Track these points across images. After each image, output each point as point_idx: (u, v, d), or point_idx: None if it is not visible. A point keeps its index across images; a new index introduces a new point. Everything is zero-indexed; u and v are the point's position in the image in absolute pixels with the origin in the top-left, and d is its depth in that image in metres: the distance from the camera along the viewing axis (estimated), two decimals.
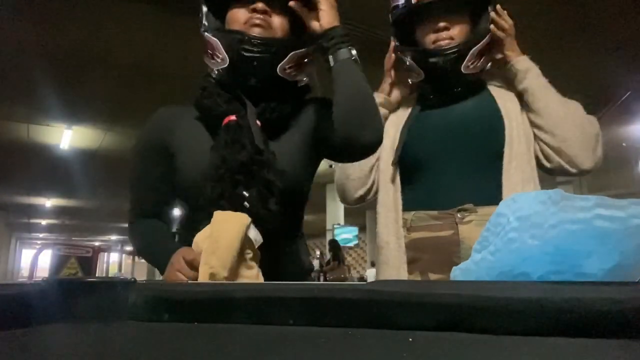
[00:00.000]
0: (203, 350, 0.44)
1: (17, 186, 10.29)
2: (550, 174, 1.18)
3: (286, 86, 0.99)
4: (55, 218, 14.73)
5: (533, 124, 1.16)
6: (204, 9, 0.99)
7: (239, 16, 0.96)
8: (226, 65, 0.95)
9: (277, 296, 0.52)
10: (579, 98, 1.15)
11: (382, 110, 1.26)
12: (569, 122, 1.12)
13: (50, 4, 3.73)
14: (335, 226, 10.28)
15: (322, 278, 8.23)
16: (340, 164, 1.33)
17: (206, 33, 0.97)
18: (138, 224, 1.03)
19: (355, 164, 1.26)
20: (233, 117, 0.93)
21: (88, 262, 5.81)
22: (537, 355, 0.37)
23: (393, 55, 1.27)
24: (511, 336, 0.40)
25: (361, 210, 11.16)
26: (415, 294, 0.45)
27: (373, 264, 9.14)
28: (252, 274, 0.82)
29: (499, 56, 1.21)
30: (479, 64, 1.17)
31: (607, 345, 0.37)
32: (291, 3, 0.95)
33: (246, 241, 0.82)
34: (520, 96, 1.18)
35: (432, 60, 1.16)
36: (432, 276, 1.13)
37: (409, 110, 1.27)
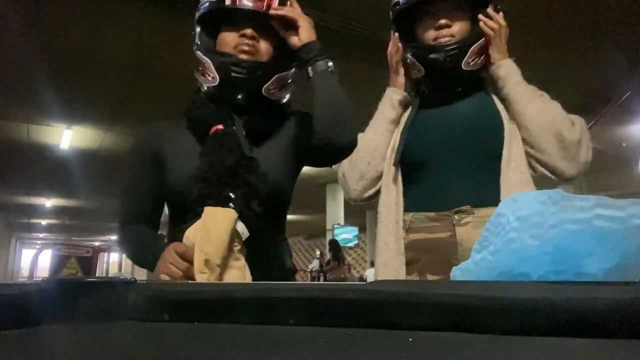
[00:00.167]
0: (203, 350, 0.44)
1: (17, 186, 10.29)
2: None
3: (270, 102, 1.08)
4: (55, 218, 14.73)
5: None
6: (198, 29, 1.08)
7: (229, 40, 1.05)
8: (216, 83, 1.03)
9: (277, 296, 0.52)
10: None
11: (399, 109, 1.25)
12: (545, 133, 1.10)
13: (51, 4, 3.73)
14: (335, 226, 10.28)
15: (322, 278, 8.23)
16: (345, 165, 1.31)
17: (198, 52, 1.06)
18: (127, 229, 1.09)
19: (370, 164, 1.24)
20: (220, 126, 1.02)
21: (88, 262, 5.81)
22: (537, 355, 0.37)
23: (399, 45, 1.23)
24: (511, 336, 0.40)
25: (361, 210, 11.15)
26: (415, 294, 0.45)
27: (373, 264, 9.12)
28: (240, 265, 0.89)
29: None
30: (479, 62, 1.17)
31: (607, 345, 0.37)
32: (273, 22, 1.04)
33: (234, 234, 0.89)
34: None
35: (433, 56, 1.16)
36: (430, 277, 1.13)
37: (410, 110, 1.27)
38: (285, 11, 1.02)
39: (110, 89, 5.35)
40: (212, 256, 0.85)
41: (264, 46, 1.05)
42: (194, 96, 1.10)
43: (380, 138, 1.25)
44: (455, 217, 1.12)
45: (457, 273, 0.57)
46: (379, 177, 1.25)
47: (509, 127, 1.14)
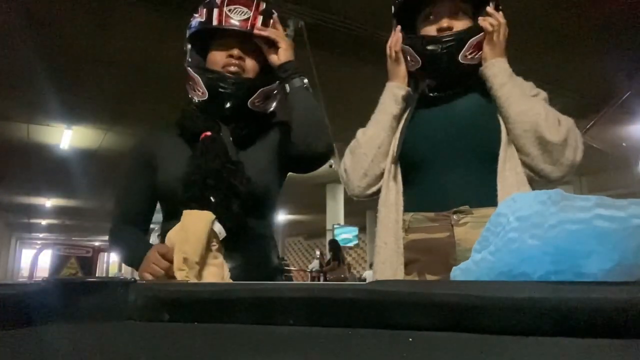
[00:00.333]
0: (203, 350, 0.44)
1: (17, 186, 10.29)
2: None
3: (255, 113, 1.18)
4: (55, 218, 14.73)
5: None
6: (188, 46, 1.19)
7: (217, 59, 1.16)
8: (205, 98, 1.14)
9: (277, 296, 0.53)
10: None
11: (402, 104, 1.24)
12: (527, 136, 1.09)
13: (51, 4, 3.73)
14: (335, 226, 10.28)
15: (322, 278, 8.24)
16: (348, 162, 1.30)
17: (189, 68, 1.16)
18: (118, 231, 1.20)
19: (374, 162, 1.24)
20: (209, 133, 1.12)
21: (88, 262, 5.81)
22: (537, 355, 0.37)
23: (400, 34, 1.22)
24: (511, 336, 0.40)
25: (361, 210, 11.15)
26: (415, 294, 0.45)
27: (372, 267, 9.12)
28: (218, 262, 0.97)
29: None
30: (476, 56, 1.17)
31: (607, 345, 0.37)
32: (256, 40, 1.15)
33: (212, 234, 0.97)
34: None
35: (430, 47, 1.16)
36: (429, 277, 1.13)
37: (408, 108, 1.26)
38: (268, 32, 1.14)
39: (110, 89, 5.35)
40: (191, 255, 0.92)
41: (249, 64, 1.16)
42: (185, 107, 1.20)
43: (383, 134, 1.23)
44: (454, 217, 1.12)
45: (457, 273, 0.57)
46: (382, 174, 1.24)
47: (505, 128, 1.14)
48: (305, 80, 1.16)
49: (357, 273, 11.60)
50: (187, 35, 1.18)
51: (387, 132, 1.23)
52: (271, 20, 1.17)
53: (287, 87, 1.15)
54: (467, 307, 0.42)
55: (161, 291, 0.59)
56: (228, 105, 1.14)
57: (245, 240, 1.11)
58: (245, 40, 1.15)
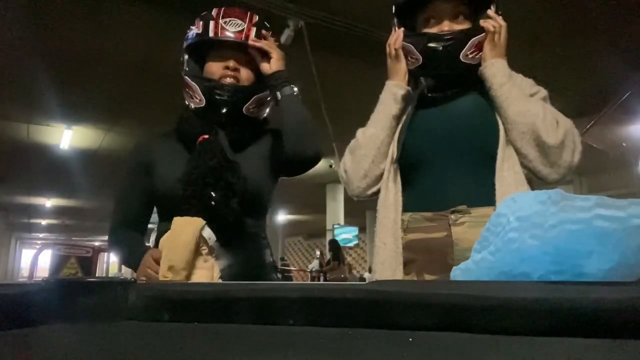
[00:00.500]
0: (203, 350, 0.44)
1: (17, 186, 10.29)
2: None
3: (250, 118, 1.25)
4: (55, 218, 14.73)
5: None
6: (186, 56, 1.25)
7: (214, 70, 1.22)
8: (202, 105, 1.20)
9: (277, 296, 0.53)
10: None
11: (402, 104, 1.23)
12: (525, 138, 1.09)
13: (51, 4, 3.73)
14: (335, 226, 10.28)
15: (322, 278, 8.24)
16: (348, 162, 1.29)
17: (186, 77, 1.22)
18: (117, 234, 1.25)
19: (374, 162, 1.24)
20: (206, 136, 1.18)
21: (88, 262, 5.81)
22: (537, 355, 0.37)
23: (400, 33, 1.22)
24: (511, 336, 0.40)
25: (361, 210, 11.15)
26: (415, 294, 0.45)
27: (371, 270, 9.09)
28: (207, 266, 1.01)
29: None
30: (477, 56, 1.17)
31: (607, 345, 0.37)
32: (250, 50, 1.21)
33: (202, 240, 1.00)
34: None
35: (432, 45, 1.16)
36: (428, 277, 1.13)
37: (408, 108, 1.26)
38: (261, 43, 1.21)
39: (110, 89, 5.35)
40: (176, 262, 0.97)
41: (244, 74, 1.23)
42: (183, 113, 1.26)
43: (383, 135, 1.23)
44: (452, 217, 1.12)
45: (457, 273, 0.57)
46: (383, 175, 1.24)
47: (504, 128, 1.14)
48: (295, 89, 1.22)
49: (357, 273, 11.61)
50: (185, 45, 1.24)
51: (387, 132, 1.23)
52: (264, 32, 1.24)
53: (278, 94, 1.21)
54: (467, 307, 0.42)
55: (161, 291, 0.59)
56: (224, 111, 1.20)
57: (240, 238, 1.18)
58: (240, 51, 1.22)
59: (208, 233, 1.01)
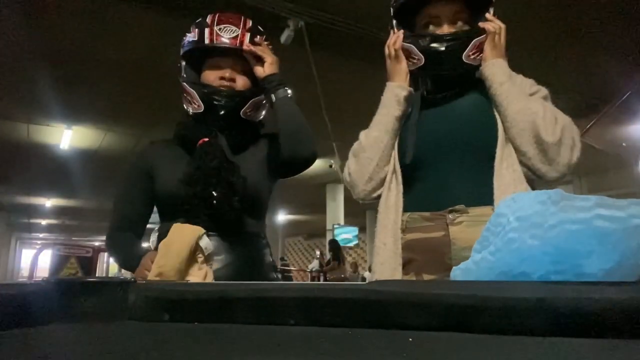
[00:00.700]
0: (203, 350, 0.44)
1: (17, 186, 10.29)
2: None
3: (247, 121, 1.29)
4: (55, 218, 14.73)
5: None
6: (183, 62, 1.28)
7: (210, 79, 1.25)
8: (201, 110, 1.23)
9: (277, 296, 0.53)
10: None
11: (405, 105, 1.24)
12: (524, 135, 1.10)
13: (51, 4, 3.73)
14: (335, 226, 10.27)
15: (322, 278, 8.24)
16: (352, 166, 1.30)
17: (184, 83, 1.25)
18: (115, 236, 1.27)
19: (379, 165, 1.24)
20: (206, 139, 1.21)
21: (88, 262, 5.81)
22: (537, 355, 0.37)
23: (400, 34, 1.22)
24: (511, 336, 0.40)
25: (361, 210, 11.15)
26: (415, 294, 0.46)
27: (371, 270, 9.11)
28: (200, 274, 1.01)
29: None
30: (478, 57, 1.18)
31: (607, 345, 0.37)
32: (245, 54, 1.25)
33: (199, 248, 1.01)
34: None
35: (434, 45, 1.17)
36: (426, 277, 1.13)
37: (412, 109, 1.26)
38: (255, 49, 1.25)
39: (110, 89, 5.35)
40: (166, 269, 0.98)
41: (240, 81, 1.26)
42: (183, 119, 1.31)
43: (387, 137, 1.23)
44: (449, 216, 1.12)
45: (457, 273, 0.57)
46: (386, 177, 1.24)
47: (502, 127, 1.15)
48: (289, 91, 1.26)
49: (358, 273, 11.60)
50: (181, 53, 1.28)
51: (390, 134, 1.23)
52: (257, 36, 1.27)
53: (273, 97, 1.24)
54: (467, 307, 0.42)
55: (161, 291, 0.59)
56: (223, 115, 1.23)
57: (240, 238, 1.21)
58: (235, 56, 1.26)
59: (205, 242, 1.02)
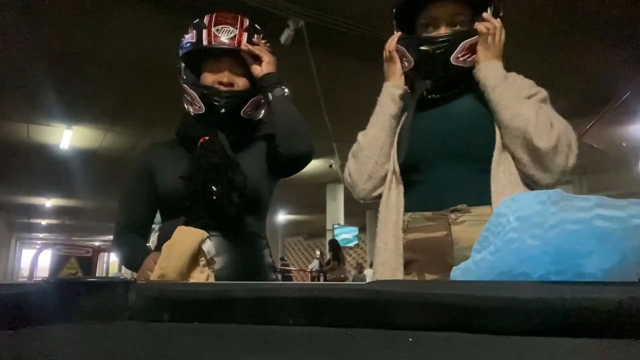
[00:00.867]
0: (203, 350, 0.44)
1: (17, 186, 10.29)
2: None
3: (247, 121, 1.31)
4: (55, 218, 14.73)
5: None
6: (182, 64, 1.30)
7: (209, 82, 1.26)
8: (202, 112, 1.25)
9: (277, 296, 0.53)
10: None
11: (400, 103, 1.24)
12: (518, 143, 1.09)
13: (51, 4, 3.73)
14: (335, 226, 10.28)
15: (322, 278, 8.24)
16: (352, 166, 1.30)
17: (185, 85, 1.27)
18: (121, 237, 1.29)
19: (378, 163, 1.24)
20: (207, 137, 1.23)
21: (88, 262, 5.81)
22: (537, 355, 0.37)
23: (395, 36, 1.24)
24: (511, 336, 0.40)
25: (361, 210, 11.15)
26: (415, 294, 0.45)
27: (372, 266, 9.12)
28: (202, 277, 1.02)
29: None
30: (469, 59, 1.17)
31: (607, 345, 0.37)
32: (243, 54, 1.26)
33: (201, 252, 1.02)
34: None
35: (423, 47, 1.17)
36: (428, 277, 1.13)
37: (406, 111, 1.26)
38: (253, 48, 1.26)
39: (110, 89, 5.35)
40: (168, 272, 0.98)
41: (239, 82, 1.28)
42: (183, 119, 1.32)
43: (384, 135, 1.24)
44: (451, 215, 1.12)
45: (457, 273, 0.57)
46: (386, 176, 1.24)
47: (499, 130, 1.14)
48: (286, 90, 1.27)
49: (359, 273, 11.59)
50: (180, 54, 1.29)
51: (388, 132, 1.24)
52: (255, 35, 1.28)
53: (270, 95, 1.26)
54: (467, 307, 0.42)
55: (161, 291, 0.59)
56: (223, 115, 1.25)
57: (240, 237, 1.22)
58: (233, 55, 1.27)
59: (208, 246, 1.03)
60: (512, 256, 0.50)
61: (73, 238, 18.64)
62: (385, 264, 1.18)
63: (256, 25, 1.31)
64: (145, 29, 4.12)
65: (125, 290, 0.59)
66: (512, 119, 1.10)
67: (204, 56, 1.28)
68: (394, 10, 1.26)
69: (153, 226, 1.32)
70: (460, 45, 1.14)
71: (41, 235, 19.71)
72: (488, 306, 0.42)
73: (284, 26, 3.97)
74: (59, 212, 13.40)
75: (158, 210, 1.30)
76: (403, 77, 1.25)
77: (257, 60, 1.27)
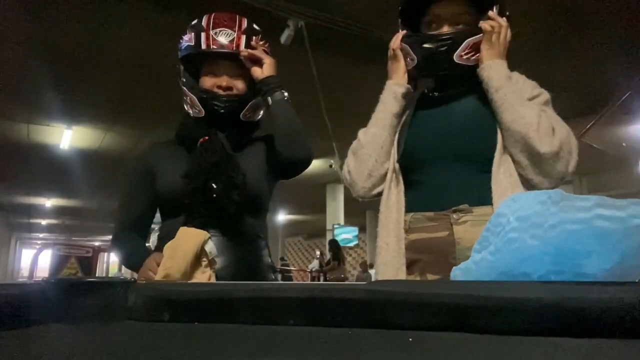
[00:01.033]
0: (203, 351, 0.44)
1: (17, 186, 10.29)
2: None
3: (246, 123, 1.32)
4: (55, 218, 14.72)
5: None
6: (181, 67, 1.29)
7: (208, 86, 1.27)
8: (202, 115, 1.25)
9: (277, 296, 0.53)
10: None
11: (403, 102, 1.24)
12: (519, 147, 1.09)
13: (51, 3, 3.73)
14: (335, 226, 10.27)
15: (322, 278, 8.24)
16: (351, 163, 1.30)
17: (184, 88, 1.27)
18: (120, 236, 1.28)
19: (378, 162, 1.24)
20: (207, 137, 1.24)
21: (88, 262, 5.82)
22: (537, 355, 0.37)
23: (399, 34, 1.24)
24: (511, 336, 0.40)
25: (361, 210, 11.15)
26: (415, 294, 0.45)
27: (372, 266, 9.15)
28: (204, 277, 1.03)
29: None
30: (472, 57, 1.16)
31: (607, 345, 0.37)
32: (242, 57, 1.25)
33: (203, 252, 1.03)
34: None
35: (426, 45, 1.17)
36: (430, 277, 1.13)
37: (408, 109, 1.26)
38: (252, 52, 1.26)
39: (110, 89, 5.35)
40: (173, 272, 0.99)
41: (238, 85, 1.28)
42: (183, 119, 1.32)
43: (385, 133, 1.23)
44: (453, 216, 1.11)
45: (457, 273, 0.57)
46: (386, 174, 1.24)
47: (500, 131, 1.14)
48: (286, 93, 1.27)
49: (358, 273, 11.60)
50: (179, 57, 1.29)
51: (389, 130, 1.23)
52: (253, 37, 1.28)
53: (269, 99, 1.26)
54: (467, 307, 0.42)
55: (161, 291, 0.59)
56: (222, 118, 1.25)
57: (239, 237, 1.23)
58: (233, 60, 1.27)
59: (210, 247, 1.04)
60: (512, 256, 0.50)
61: (73, 238, 18.64)
62: (387, 264, 1.18)
63: (254, 26, 1.31)
64: (145, 29, 4.12)
65: (125, 290, 0.59)
66: (513, 122, 1.09)
67: (203, 60, 1.29)
68: (400, 8, 1.26)
69: (153, 226, 1.32)
70: (464, 43, 1.14)
71: (41, 235, 19.71)
72: (488, 306, 0.42)
73: (284, 26, 3.97)
74: (58, 212, 13.39)
75: (158, 210, 1.30)
76: (406, 75, 1.25)
77: (257, 63, 1.27)
